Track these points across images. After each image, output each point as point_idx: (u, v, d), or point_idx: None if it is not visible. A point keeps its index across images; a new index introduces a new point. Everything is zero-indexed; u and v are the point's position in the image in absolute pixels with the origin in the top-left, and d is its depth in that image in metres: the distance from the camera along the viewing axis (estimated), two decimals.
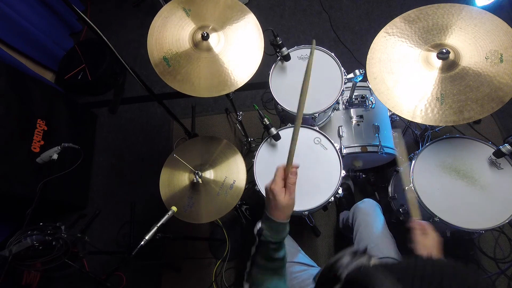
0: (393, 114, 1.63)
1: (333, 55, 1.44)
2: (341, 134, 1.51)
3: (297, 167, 0.79)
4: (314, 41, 1.01)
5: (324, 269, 0.47)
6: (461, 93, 1.13)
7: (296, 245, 1.30)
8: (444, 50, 1.15)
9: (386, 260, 0.78)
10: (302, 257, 1.24)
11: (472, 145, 1.32)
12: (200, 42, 1.26)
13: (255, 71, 1.24)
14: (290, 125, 1.41)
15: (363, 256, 0.45)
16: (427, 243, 0.90)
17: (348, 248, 0.48)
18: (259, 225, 0.77)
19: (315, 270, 1.18)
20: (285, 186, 0.77)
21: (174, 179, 1.35)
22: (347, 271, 0.43)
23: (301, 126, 1.39)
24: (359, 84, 1.56)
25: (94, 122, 2.45)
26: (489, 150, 1.28)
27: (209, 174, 1.33)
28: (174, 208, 1.22)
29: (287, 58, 1.42)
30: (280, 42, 1.36)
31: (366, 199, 1.39)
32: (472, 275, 0.41)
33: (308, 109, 1.39)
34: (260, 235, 0.75)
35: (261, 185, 1.29)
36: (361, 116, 1.56)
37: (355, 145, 1.50)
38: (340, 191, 1.28)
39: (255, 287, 0.74)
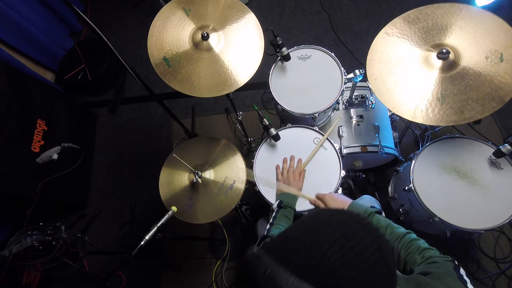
0: (393, 114, 1.63)
1: (333, 55, 1.44)
2: (341, 134, 1.51)
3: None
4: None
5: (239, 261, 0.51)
6: (462, 92, 1.13)
7: None
8: (444, 50, 1.15)
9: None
10: None
11: (472, 145, 1.32)
12: (200, 42, 1.26)
13: (255, 71, 1.24)
14: (290, 125, 1.41)
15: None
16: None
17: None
18: (275, 204, 1.12)
19: None
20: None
21: (174, 179, 1.35)
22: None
23: (301, 127, 1.39)
24: (359, 84, 1.56)
25: (94, 122, 2.45)
26: (489, 150, 1.28)
27: (209, 174, 1.33)
28: (174, 208, 1.22)
29: (287, 58, 1.42)
30: (280, 42, 1.36)
31: (364, 196, 1.39)
32: (345, 223, 0.45)
33: (308, 109, 1.39)
34: (280, 205, 1.10)
35: (261, 185, 1.29)
36: (361, 116, 1.56)
37: (355, 145, 1.50)
38: (340, 191, 1.28)
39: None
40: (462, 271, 0.65)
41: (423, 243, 0.80)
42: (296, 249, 0.44)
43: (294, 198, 1.17)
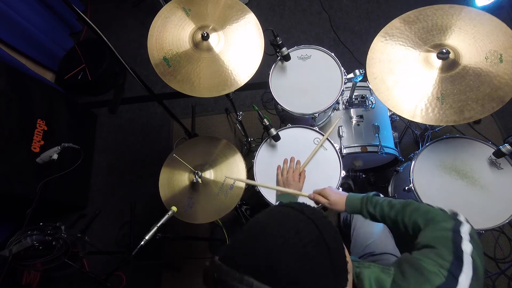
0: (393, 114, 1.63)
1: (333, 55, 1.44)
2: (341, 134, 1.51)
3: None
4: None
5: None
6: (462, 92, 1.13)
7: None
8: (444, 50, 1.15)
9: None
10: None
11: (472, 145, 1.32)
12: (200, 42, 1.26)
13: (255, 71, 1.24)
14: (290, 125, 1.41)
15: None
16: (332, 200, 1.03)
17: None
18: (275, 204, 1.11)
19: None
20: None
21: (174, 179, 1.35)
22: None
23: (301, 127, 1.39)
24: (359, 84, 1.56)
25: (94, 122, 2.45)
26: (489, 150, 1.28)
27: (209, 174, 1.33)
28: (174, 208, 1.22)
29: (287, 58, 1.42)
30: (280, 42, 1.36)
31: None
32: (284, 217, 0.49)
33: (308, 109, 1.39)
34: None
35: (261, 189, 1.29)
36: (361, 116, 1.56)
37: (355, 145, 1.50)
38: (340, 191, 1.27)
39: None
40: (464, 227, 0.66)
41: (423, 206, 0.79)
42: (237, 249, 0.49)
43: (294, 198, 1.17)
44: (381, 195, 0.94)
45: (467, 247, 0.61)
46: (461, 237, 0.63)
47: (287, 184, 1.20)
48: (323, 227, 0.49)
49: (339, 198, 0.99)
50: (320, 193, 1.05)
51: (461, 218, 0.70)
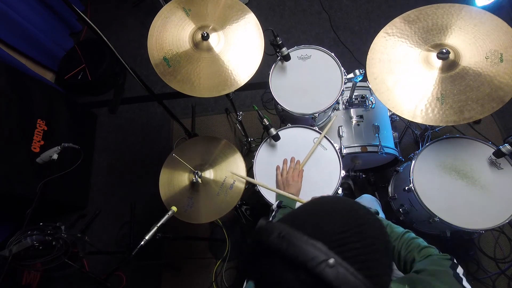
0: (393, 114, 1.63)
1: (333, 55, 1.44)
2: (341, 134, 1.51)
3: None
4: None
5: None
6: (462, 93, 1.13)
7: None
8: (444, 50, 1.15)
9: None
10: None
11: (472, 145, 1.32)
12: (200, 42, 1.26)
13: (255, 71, 1.24)
14: (290, 125, 1.41)
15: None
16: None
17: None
18: (274, 204, 1.11)
19: None
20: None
21: (174, 179, 1.35)
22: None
23: (301, 127, 1.39)
24: (359, 84, 1.56)
25: (94, 122, 2.45)
26: (489, 150, 1.28)
27: (209, 174, 1.33)
28: (174, 208, 1.22)
29: (287, 58, 1.42)
30: (280, 42, 1.36)
31: (364, 195, 1.39)
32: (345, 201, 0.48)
33: (308, 109, 1.39)
34: (280, 205, 1.09)
35: (262, 189, 1.29)
36: (361, 116, 1.56)
37: (355, 145, 1.50)
38: (340, 191, 1.28)
39: None
40: (459, 269, 0.65)
41: (422, 241, 0.80)
42: (308, 217, 0.47)
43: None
44: (380, 214, 0.93)
45: (468, 286, 0.62)
46: (461, 278, 0.63)
47: (287, 185, 1.20)
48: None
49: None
50: None
51: (455, 260, 0.71)
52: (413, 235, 0.82)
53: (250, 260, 0.47)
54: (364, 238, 0.43)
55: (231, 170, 1.32)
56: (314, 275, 0.38)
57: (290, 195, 1.13)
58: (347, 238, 0.42)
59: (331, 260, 0.38)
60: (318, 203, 0.50)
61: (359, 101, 1.56)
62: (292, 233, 0.42)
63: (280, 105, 1.40)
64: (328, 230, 0.43)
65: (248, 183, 1.32)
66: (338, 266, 0.38)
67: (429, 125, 1.60)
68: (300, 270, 0.39)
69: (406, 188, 1.34)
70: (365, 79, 1.32)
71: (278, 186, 1.24)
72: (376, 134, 1.51)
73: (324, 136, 1.34)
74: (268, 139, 1.37)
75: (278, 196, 1.19)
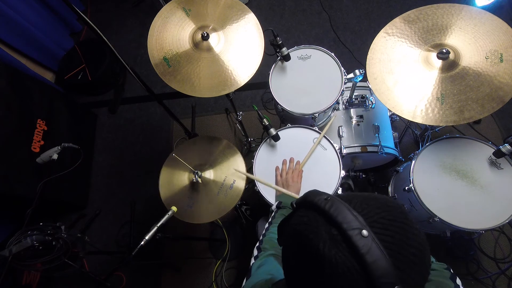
0: (393, 114, 1.63)
1: (333, 55, 1.44)
2: (341, 134, 1.51)
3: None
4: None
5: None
6: (462, 93, 1.13)
7: None
8: (444, 50, 1.15)
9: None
10: None
11: (472, 145, 1.32)
12: (200, 42, 1.26)
13: (255, 71, 1.24)
14: (290, 125, 1.41)
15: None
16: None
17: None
18: (274, 205, 1.10)
19: None
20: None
21: (174, 179, 1.35)
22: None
23: (301, 127, 1.39)
24: (359, 84, 1.56)
25: (94, 122, 2.45)
26: (489, 150, 1.28)
27: (208, 174, 1.33)
28: (174, 208, 1.22)
29: (287, 58, 1.42)
30: (280, 42, 1.36)
31: None
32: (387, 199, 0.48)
33: (308, 109, 1.39)
34: (279, 205, 1.08)
35: (261, 186, 1.29)
36: (361, 116, 1.56)
37: (355, 145, 1.50)
38: (340, 191, 1.27)
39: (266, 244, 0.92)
40: (458, 281, 0.66)
41: None
42: (358, 197, 0.48)
43: (293, 198, 1.16)
44: None
45: None
46: None
47: (286, 185, 1.20)
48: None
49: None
50: None
51: (451, 270, 0.71)
52: None
53: (291, 213, 0.51)
54: (405, 235, 0.43)
55: (230, 173, 1.32)
56: (345, 236, 0.40)
57: (290, 193, 1.13)
58: (389, 226, 0.43)
59: (365, 232, 0.40)
60: (372, 194, 0.52)
61: (359, 101, 1.56)
62: (339, 201, 0.45)
63: (280, 105, 1.40)
64: (371, 212, 0.44)
65: (248, 183, 1.32)
66: (370, 239, 0.40)
67: (429, 125, 1.60)
68: (334, 227, 0.42)
69: (406, 188, 1.34)
70: (365, 79, 1.32)
71: (281, 184, 1.24)
72: (376, 134, 1.51)
73: (324, 136, 1.34)
74: (268, 139, 1.37)
75: (278, 196, 1.19)
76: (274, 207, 1.12)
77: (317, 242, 0.42)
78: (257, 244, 0.90)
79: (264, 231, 0.99)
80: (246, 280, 0.75)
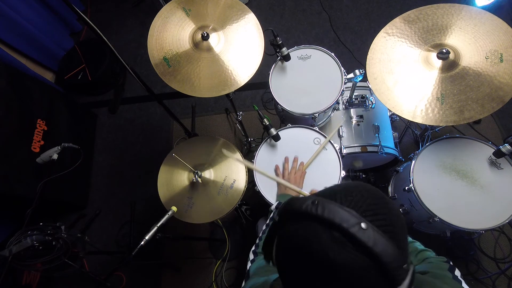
0: (393, 114, 1.63)
1: (333, 55, 1.44)
2: (341, 134, 1.51)
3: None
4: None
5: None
6: (462, 93, 1.13)
7: None
8: (444, 50, 1.15)
9: None
10: None
11: (472, 145, 1.32)
12: (200, 42, 1.26)
13: (255, 71, 1.24)
14: (290, 125, 1.41)
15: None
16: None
17: None
18: (273, 205, 1.09)
19: None
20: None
21: (173, 179, 1.35)
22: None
23: (301, 127, 1.39)
24: (359, 84, 1.56)
25: (94, 122, 2.45)
26: (489, 150, 1.28)
27: (208, 173, 1.33)
28: (174, 208, 1.22)
29: (287, 58, 1.42)
30: (280, 42, 1.36)
31: None
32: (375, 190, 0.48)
33: (308, 109, 1.39)
34: (278, 206, 1.05)
35: (261, 186, 1.29)
36: (361, 116, 1.56)
37: (355, 145, 1.50)
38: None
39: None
40: (457, 272, 0.66)
41: (419, 245, 0.81)
42: (338, 191, 0.48)
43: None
44: None
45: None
46: (460, 280, 0.64)
47: (293, 183, 1.19)
48: None
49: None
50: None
51: (451, 262, 0.71)
52: (410, 239, 0.82)
53: (277, 226, 0.48)
54: (391, 213, 0.45)
55: (230, 173, 1.31)
56: (349, 235, 0.40)
57: (292, 185, 1.12)
58: (377, 210, 0.44)
59: (364, 224, 0.40)
60: (343, 183, 0.52)
61: (359, 101, 1.56)
62: (326, 201, 0.43)
63: (280, 105, 1.40)
64: (359, 201, 0.44)
65: (248, 183, 1.32)
66: (371, 230, 0.40)
67: (429, 125, 1.60)
68: (336, 230, 0.41)
69: (406, 188, 1.34)
70: (365, 79, 1.32)
71: (279, 187, 1.23)
72: (376, 134, 1.51)
73: (325, 137, 1.34)
74: (268, 139, 1.37)
75: (279, 196, 1.18)
76: (273, 207, 1.11)
77: (324, 252, 0.41)
78: (253, 248, 0.90)
79: (261, 234, 0.99)
80: (244, 282, 0.75)
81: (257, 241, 0.93)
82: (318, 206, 0.43)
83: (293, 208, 0.45)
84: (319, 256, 0.41)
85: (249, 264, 0.82)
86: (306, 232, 0.43)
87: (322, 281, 0.42)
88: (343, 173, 1.26)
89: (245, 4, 1.34)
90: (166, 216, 1.18)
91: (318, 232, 0.42)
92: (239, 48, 1.27)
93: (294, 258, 0.45)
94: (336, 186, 0.50)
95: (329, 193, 0.47)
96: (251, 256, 0.86)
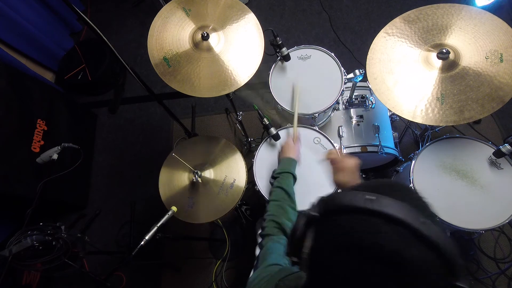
0: (393, 114, 1.63)
1: (333, 55, 1.44)
2: (341, 134, 1.51)
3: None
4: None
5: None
6: (462, 93, 1.13)
7: None
8: (444, 50, 1.15)
9: None
10: None
11: (472, 145, 1.32)
12: (200, 42, 1.26)
13: (255, 71, 1.24)
14: (290, 125, 1.41)
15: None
16: (345, 169, 0.97)
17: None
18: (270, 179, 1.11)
19: None
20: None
21: (174, 179, 1.35)
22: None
23: (301, 126, 1.39)
24: (359, 84, 1.56)
25: (94, 122, 2.45)
26: (489, 150, 1.28)
27: (208, 173, 1.33)
28: (174, 208, 1.22)
29: (287, 58, 1.42)
30: (280, 42, 1.36)
31: None
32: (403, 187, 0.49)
33: (308, 109, 1.39)
34: (273, 175, 1.07)
35: (261, 185, 1.29)
36: (361, 116, 1.56)
37: (355, 145, 1.50)
38: (340, 190, 1.27)
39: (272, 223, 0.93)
40: None
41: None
42: (378, 187, 0.48)
43: (294, 161, 1.13)
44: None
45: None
46: None
47: (286, 148, 1.18)
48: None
49: (352, 172, 0.96)
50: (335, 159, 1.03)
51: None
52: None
53: (318, 221, 0.46)
54: (423, 199, 0.47)
55: (230, 173, 1.32)
56: (413, 230, 0.39)
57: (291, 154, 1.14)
58: (417, 201, 0.45)
59: (421, 218, 0.40)
60: (372, 180, 0.53)
61: (359, 101, 1.56)
62: (383, 197, 0.42)
63: (280, 105, 1.40)
64: (405, 196, 0.44)
65: (248, 183, 1.32)
66: (430, 223, 0.40)
67: (429, 125, 1.60)
68: (400, 226, 0.40)
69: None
70: (365, 79, 1.32)
71: (279, 155, 1.21)
72: (376, 134, 1.51)
73: (324, 136, 1.34)
74: (268, 139, 1.37)
75: (282, 161, 1.16)
76: (270, 180, 1.10)
77: (394, 247, 0.39)
78: (259, 231, 0.91)
79: (265, 215, 0.98)
80: (253, 271, 0.75)
81: (264, 223, 0.94)
82: (374, 203, 0.41)
83: (348, 203, 0.43)
84: (388, 251, 0.39)
85: (257, 250, 0.83)
86: (370, 226, 0.40)
87: (386, 280, 0.39)
88: None
89: (245, 4, 1.34)
90: (166, 216, 1.18)
91: (381, 227, 0.40)
92: (239, 48, 1.27)
93: (349, 254, 0.41)
94: (374, 182, 0.50)
95: (371, 188, 0.45)
96: (259, 239, 0.87)
